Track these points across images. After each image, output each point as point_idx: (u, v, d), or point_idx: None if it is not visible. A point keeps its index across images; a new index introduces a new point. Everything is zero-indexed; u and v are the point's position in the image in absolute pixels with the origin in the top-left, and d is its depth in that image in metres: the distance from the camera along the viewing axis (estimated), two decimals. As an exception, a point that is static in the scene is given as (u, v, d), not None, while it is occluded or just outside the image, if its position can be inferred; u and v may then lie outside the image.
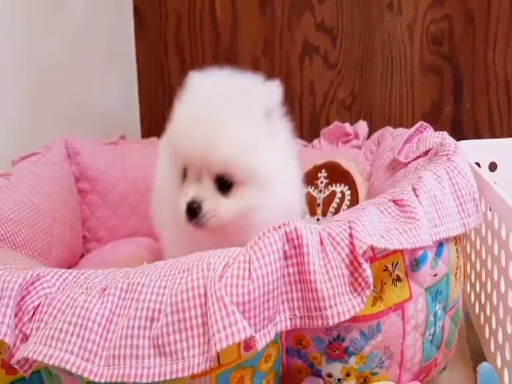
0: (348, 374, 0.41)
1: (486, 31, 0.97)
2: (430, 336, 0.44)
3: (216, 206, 0.47)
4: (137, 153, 0.93)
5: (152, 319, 0.36)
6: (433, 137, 0.60)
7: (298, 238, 0.37)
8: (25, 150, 0.81)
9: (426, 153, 0.60)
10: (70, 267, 0.80)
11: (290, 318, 0.37)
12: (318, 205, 0.81)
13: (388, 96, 1.07)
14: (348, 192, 0.79)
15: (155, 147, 0.96)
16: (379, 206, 0.43)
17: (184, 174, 0.50)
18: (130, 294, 0.37)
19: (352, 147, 0.90)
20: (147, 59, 1.24)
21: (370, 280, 0.36)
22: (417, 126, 0.68)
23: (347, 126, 0.92)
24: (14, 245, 0.65)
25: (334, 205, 0.79)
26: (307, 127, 1.15)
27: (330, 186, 0.81)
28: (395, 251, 0.40)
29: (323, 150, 0.94)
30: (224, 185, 0.47)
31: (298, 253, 0.37)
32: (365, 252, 0.36)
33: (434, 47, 1.02)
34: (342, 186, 0.79)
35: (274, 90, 0.51)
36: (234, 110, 0.47)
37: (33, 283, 0.39)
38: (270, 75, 1.21)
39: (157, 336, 0.35)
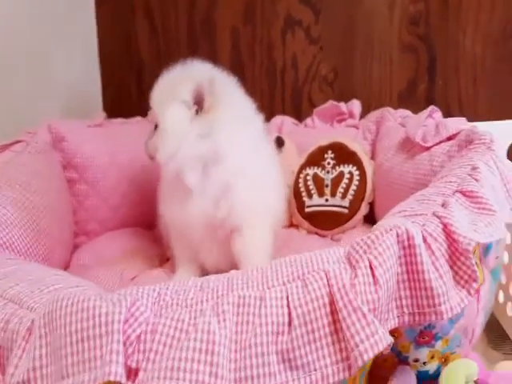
0: (432, 357, 0.44)
1: (458, 15, 1.03)
2: (486, 311, 0.49)
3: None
4: (125, 135, 0.85)
5: (277, 333, 0.35)
6: (454, 123, 0.63)
7: (408, 239, 0.38)
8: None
9: (449, 138, 0.64)
10: (66, 268, 0.73)
11: (398, 316, 0.38)
12: (327, 185, 0.83)
13: (368, 73, 1.09)
14: (356, 172, 0.81)
15: (142, 127, 0.90)
16: (448, 198, 0.45)
17: None
18: (245, 308, 0.36)
19: (347, 126, 0.92)
20: (110, 25, 1.11)
21: (478, 274, 0.38)
22: (429, 109, 0.71)
23: (342, 105, 0.93)
24: (18, 252, 0.57)
25: (343, 185, 0.81)
26: (289, 102, 1.14)
27: (337, 167, 0.83)
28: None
29: (318, 129, 0.95)
30: None
31: (408, 253, 0.38)
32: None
33: (411, 27, 1.05)
34: (350, 166, 0.82)
35: (202, 76, 0.62)
36: (167, 88, 0.63)
37: (129, 309, 0.35)
38: (250, 46, 1.18)
39: (286, 350, 0.34)
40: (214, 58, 1.15)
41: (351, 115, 0.93)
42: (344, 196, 0.81)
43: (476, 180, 0.47)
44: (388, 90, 1.11)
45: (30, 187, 0.63)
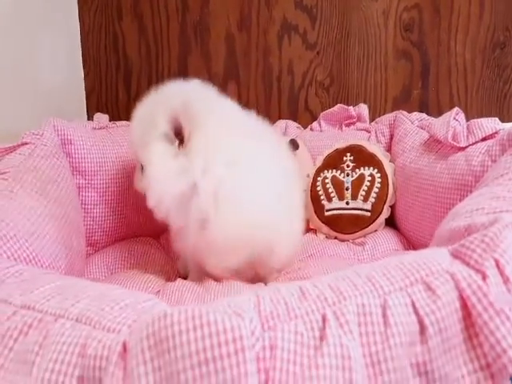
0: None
1: (450, 22, 1.07)
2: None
3: None
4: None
5: (410, 344, 0.31)
6: (490, 123, 0.64)
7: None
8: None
9: (483, 139, 0.64)
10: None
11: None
12: (347, 188, 0.80)
13: (364, 79, 1.10)
14: (378, 175, 0.80)
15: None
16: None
17: None
18: (366, 317, 0.32)
19: (357, 130, 0.91)
20: (95, 26, 1.04)
21: None
22: (454, 111, 0.71)
23: (351, 109, 0.92)
24: (42, 265, 0.50)
25: (365, 187, 0.80)
26: (285, 107, 1.11)
27: (357, 170, 0.81)
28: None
29: (326, 133, 0.94)
30: None
31: None
32: None
33: (405, 34, 1.08)
34: (371, 168, 0.80)
35: (176, 101, 0.56)
36: (145, 122, 0.58)
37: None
38: (246, 52, 1.14)
39: (423, 362, 0.31)
40: (207, 62, 1.12)
41: (360, 119, 0.92)
42: (366, 199, 0.79)
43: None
44: (383, 95, 1.12)
45: (46, 193, 0.55)
